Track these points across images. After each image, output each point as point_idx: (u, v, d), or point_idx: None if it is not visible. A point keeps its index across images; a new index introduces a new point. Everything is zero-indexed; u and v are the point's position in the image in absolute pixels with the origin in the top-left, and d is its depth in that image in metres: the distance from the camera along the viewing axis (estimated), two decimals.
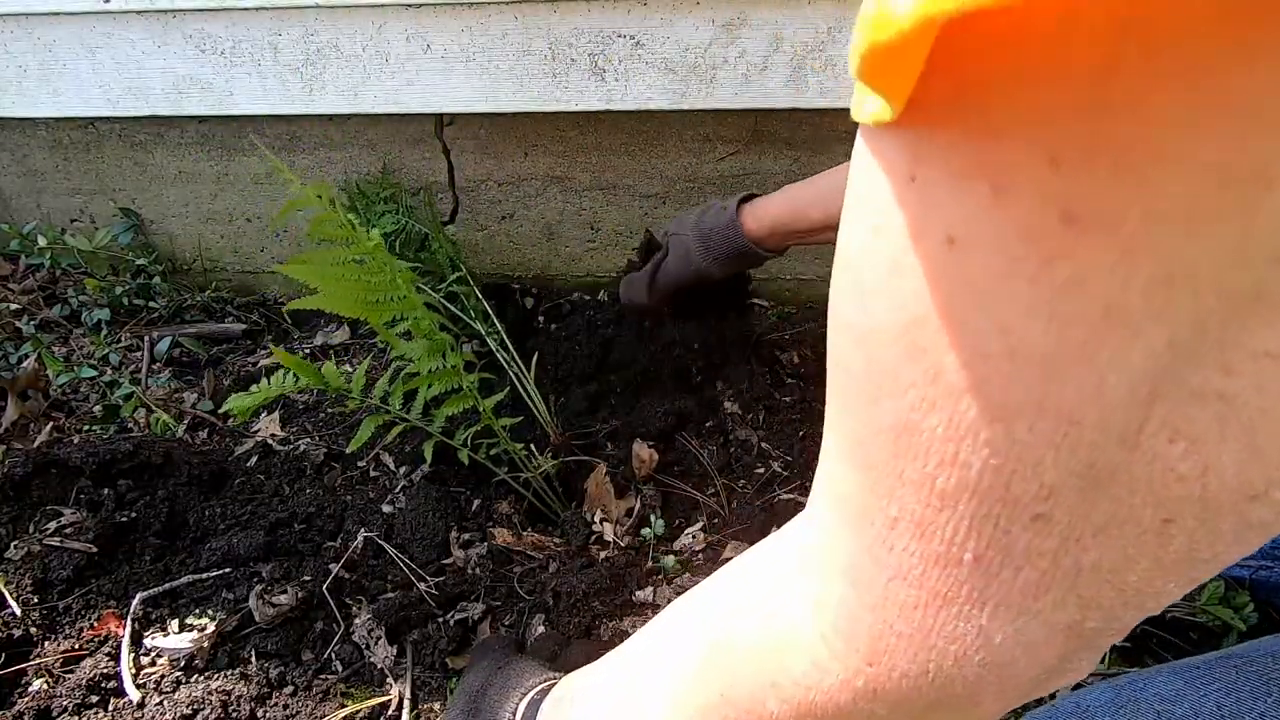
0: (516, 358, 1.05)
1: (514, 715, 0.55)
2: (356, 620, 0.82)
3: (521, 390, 1.04)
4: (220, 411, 1.13)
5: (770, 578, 0.34)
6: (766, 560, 0.35)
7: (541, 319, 1.30)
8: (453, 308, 1.11)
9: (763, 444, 1.01)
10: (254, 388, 0.80)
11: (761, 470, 0.98)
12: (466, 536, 0.92)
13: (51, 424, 1.11)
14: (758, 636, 0.33)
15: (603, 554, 0.89)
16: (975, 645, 0.25)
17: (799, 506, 0.93)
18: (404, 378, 0.86)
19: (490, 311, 1.10)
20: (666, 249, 0.98)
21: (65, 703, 0.74)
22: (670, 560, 0.87)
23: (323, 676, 0.78)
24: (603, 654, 0.50)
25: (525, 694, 0.55)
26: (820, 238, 0.90)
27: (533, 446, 0.97)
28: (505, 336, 1.07)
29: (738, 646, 0.34)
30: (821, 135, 1.16)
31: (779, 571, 0.34)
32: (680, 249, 0.96)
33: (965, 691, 0.27)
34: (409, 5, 1.04)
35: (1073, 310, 0.19)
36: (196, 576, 0.86)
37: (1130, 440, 0.21)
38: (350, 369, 1.20)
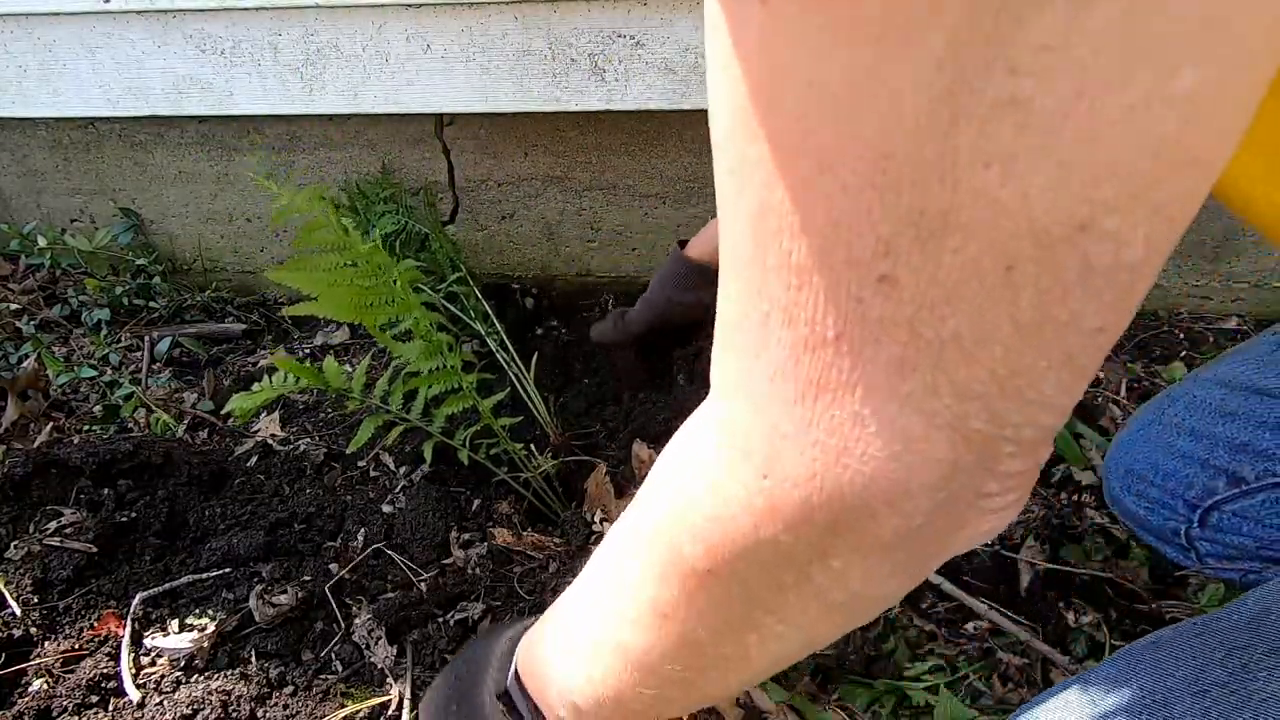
0: (516, 358, 1.05)
1: (497, 654, 0.55)
2: (356, 620, 0.82)
3: (521, 390, 1.04)
4: (221, 412, 1.13)
5: (680, 442, 0.35)
6: (678, 437, 0.37)
7: (552, 320, 1.30)
8: (453, 308, 1.11)
9: None
10: (255, 387, 0.80)
11: None
12: (466, 536, 0.92)
13: (51, 424, 1.11)
14: (672, 491, 0.34)
15: None
16: (854, 437, 0.25)
17: None
18: (404, 378, 0.86)
19: (490, 312, 1.10)
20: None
21: (65, 703, 0.74)
22: None
23: (323, 676, 0.78)
24: None
25: (509, 638, 0.56)
26: None
27: (532, 446, 0.97)
28: (505, 337, 1.07)
29: (659, 509, 0.35)
30: None
31: (687, 433, 0.35)
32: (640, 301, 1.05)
33: (857, 501, 0.26)
34: (409, 5, 1.04)
35: (854, 35, 0.21)
36: (196, 576, 0.86)
37: (948, 176, 0.21)
38: (350, 369, 1.20)
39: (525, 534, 0.92)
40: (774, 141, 0.23)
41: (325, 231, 0.72)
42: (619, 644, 0.38)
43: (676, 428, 0.34)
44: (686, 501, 0.32)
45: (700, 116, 1.15)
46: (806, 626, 0.33)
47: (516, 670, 0.51)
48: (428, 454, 0.90)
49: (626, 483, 0.97)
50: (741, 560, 0.30)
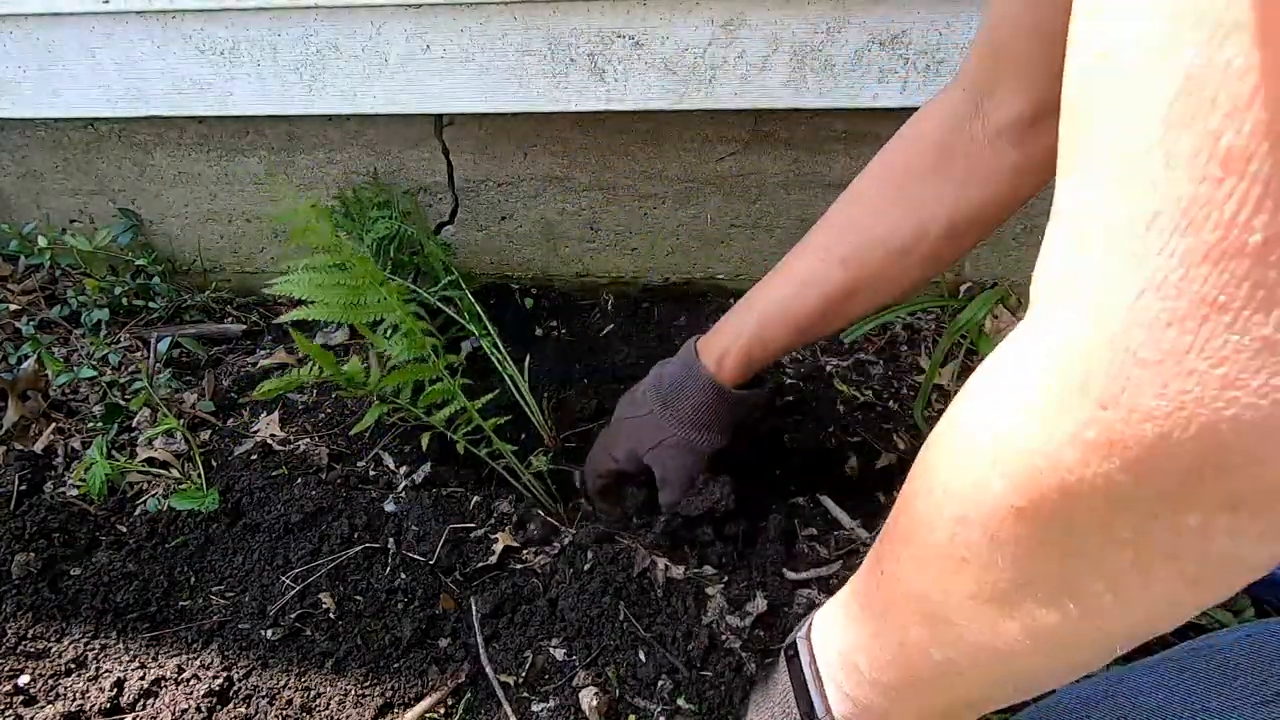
0: (509, 359, 1.05)
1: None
2: None
3: (516, 393, 1.04)
4: (220, 411, 1.13)
5: (988, 369, 0.30)
6: (986, 364, 0.31)
7: (551, 321, 1.30)
8: (448, 310, 1.11)
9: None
10: (273, 377, 0.82)
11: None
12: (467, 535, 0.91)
13: (52, 425, 1.11)
14: (978, 422, 0.29)
15: None
16: (1252, 366, 0.20)
17: (799, 507, 0.93)
18: (387, 370, 0.87)
19: (482, 313, 1.10)
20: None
21: None
22: None
23: None
24: None
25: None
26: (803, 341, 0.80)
27: (527, 447, 0.97)
28: (497, 338, 1.07)
29: (962, 442, 0.31)
30: (820, 135, 1.16)
31: (997, 358, 0.30)
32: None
33: (1239, 442, 0.21)
34: (408, 5, 1.04)
35: None
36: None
37: None
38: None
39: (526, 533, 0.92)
40: None
41: (318, 235, 0.77)
42: (909, 591, 0.34)
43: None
44: (998, 434, 0.28)
45: (700, 116, 1.14)
46: (1142, 603, 0.27)
47: (810, 625, 0.47)
48: (425, 444, 0.90)
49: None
50: (1063, 503, 0.25)
